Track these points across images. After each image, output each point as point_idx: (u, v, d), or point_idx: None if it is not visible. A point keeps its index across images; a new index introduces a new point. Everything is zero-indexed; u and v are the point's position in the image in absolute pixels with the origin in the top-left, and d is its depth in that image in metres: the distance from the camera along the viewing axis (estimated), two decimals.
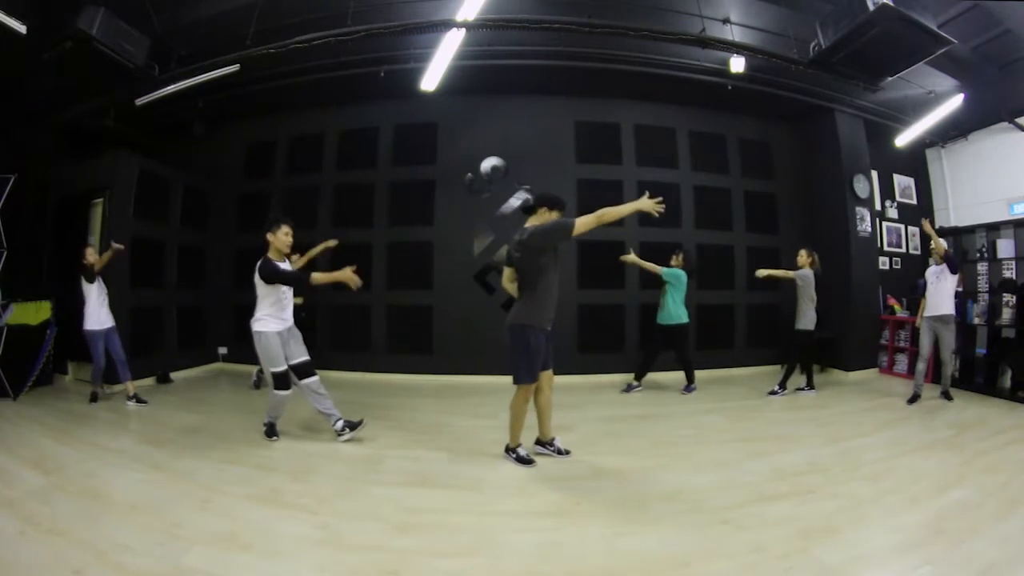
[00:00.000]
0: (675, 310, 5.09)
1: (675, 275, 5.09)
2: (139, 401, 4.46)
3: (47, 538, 2.13)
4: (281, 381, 3.40)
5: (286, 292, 3.48)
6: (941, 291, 4.63)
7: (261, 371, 5.30)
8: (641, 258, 5.09)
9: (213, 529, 2.25)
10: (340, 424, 3.49)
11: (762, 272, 5.13)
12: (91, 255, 4.57)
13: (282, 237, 3.36)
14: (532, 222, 3.09)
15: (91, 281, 4.52)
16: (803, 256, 5.10)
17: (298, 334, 3.53)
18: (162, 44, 4.20)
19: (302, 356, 3.48)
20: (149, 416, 4.26)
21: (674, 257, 5.20)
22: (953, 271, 4.62)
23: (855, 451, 3.37)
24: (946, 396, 4.80)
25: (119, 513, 2.38)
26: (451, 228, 6.09)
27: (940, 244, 4.73)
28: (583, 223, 2.81)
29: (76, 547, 2.05)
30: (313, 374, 3.48)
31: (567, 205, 3.12)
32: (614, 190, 6.19)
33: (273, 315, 3.39)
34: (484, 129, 6.15)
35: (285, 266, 3.46)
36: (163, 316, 5.93)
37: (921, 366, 4.75)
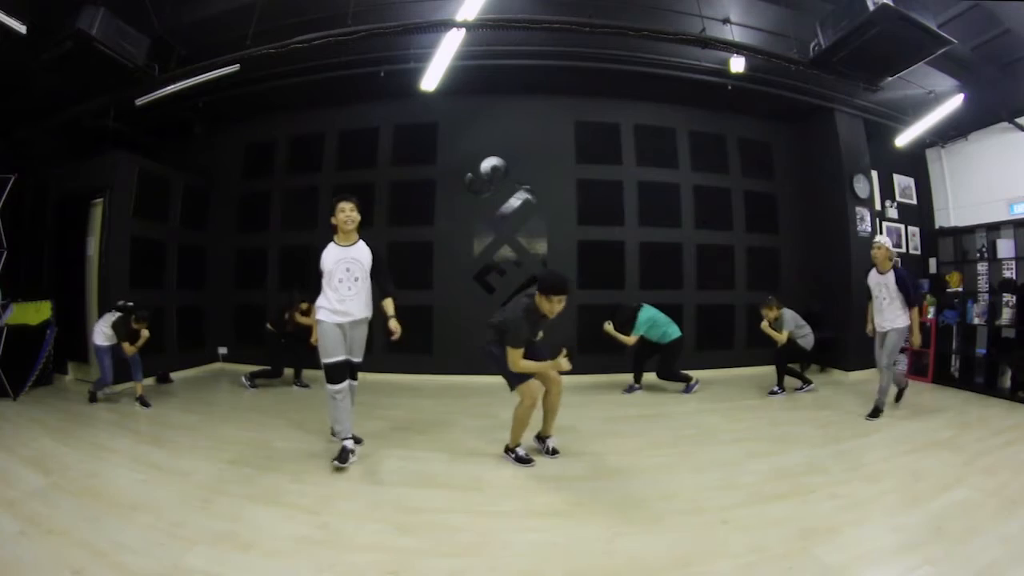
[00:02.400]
0: (664, 333, 5.09)
1: (646, 323, 5.08)
2: (144, 404, 4.46)
3: (47, 538, 2.13)
4: (330, 373, 3.05)
5: (340, 279, 3.07)
6: (893, 309, 4.05)
7: (253, 373, 5.33)
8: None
9: (213, 529, 2.25)
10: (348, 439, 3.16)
11: (766, 328, 5.05)
12: (143, 333, 4.49)
13: (339, 215, 3.07)
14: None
15: (126, 341, 4.42)
16: (771, 311, 4.99)
17: (360, 336, 3.23)
18: (162, 44, 4.20)
19: (357, 358, 3.24)
20: (149, 416, 4.26)
21: (609, 323, 5.17)
22: (910, 302, 3.99)
23: (855, 451, 3.37)
24: (874, 415, 4.08)
25: (119, 513, 2.38)
26: (451, 228, 6.09)
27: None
28: (512, 361, 2.94)
29: (76, 547, 2.05)
30: (355, 378, 3.27)
31: (565, 290, 2.88)
32: (614, 190, 6.22)
33: (324, 305, 3.08)
34: (484, 129, 6.16)
35: (331, 253, 3.10)
36: (163, 316, 5.93)
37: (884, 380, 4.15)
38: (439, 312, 6.03)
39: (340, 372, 3.08)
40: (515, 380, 3.02)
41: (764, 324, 5.04)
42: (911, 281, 4.05)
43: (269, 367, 5.31)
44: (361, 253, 3.16)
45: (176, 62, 4.47)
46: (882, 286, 4.11)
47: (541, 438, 3.32)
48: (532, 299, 2.94)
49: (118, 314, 4.45)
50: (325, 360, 3.07)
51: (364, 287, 3.16)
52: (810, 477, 2.88)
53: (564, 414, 4.09)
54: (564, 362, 2.92)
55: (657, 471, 3.03)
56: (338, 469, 2.94)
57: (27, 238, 5.55)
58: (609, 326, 5.11)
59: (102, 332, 4.44)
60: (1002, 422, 4.05)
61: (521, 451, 3.15)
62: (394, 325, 3.23)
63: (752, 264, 6.46)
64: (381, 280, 3.23)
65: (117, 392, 4.80)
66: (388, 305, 3.28)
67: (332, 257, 3.10)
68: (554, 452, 3.26)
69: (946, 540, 2.13)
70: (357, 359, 3.25)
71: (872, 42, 3.55)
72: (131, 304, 4.54)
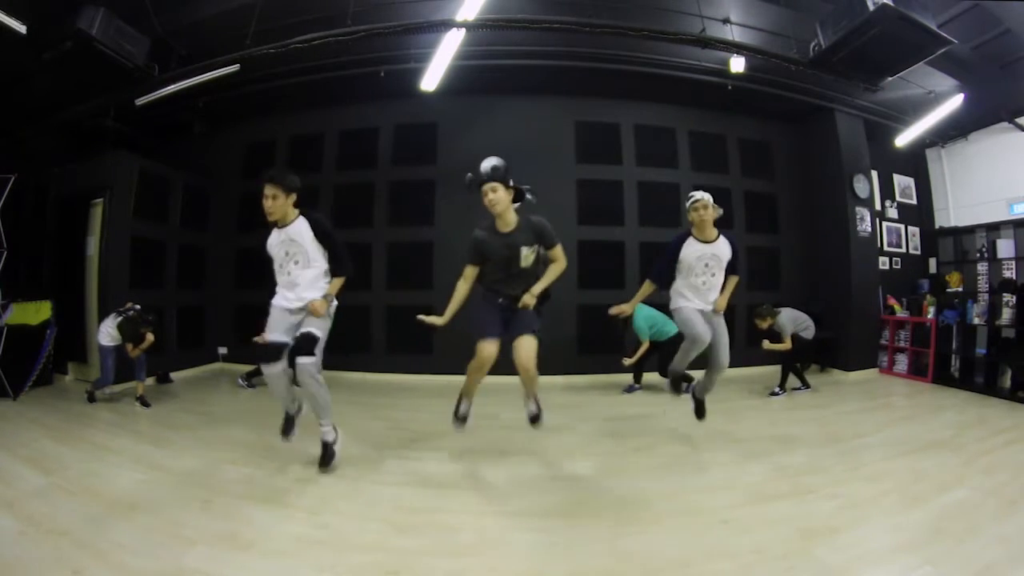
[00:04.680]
0: (661, 331, 5.08)
1: (648, 323, 5.06)
2: (144, 404, 4.46)
3: (47, 538, 2.13)
4: (264, 352, 2.88)
5: (280, 263, 2.85)
6: (716, 289, 3.27)
7: (249, 373, 5.33)
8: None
9: (213, 529, 2.25)
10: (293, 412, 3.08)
11: (769, 346, 5.00)
12: (148, 336, 4.51)
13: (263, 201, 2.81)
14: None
15: (131, 343, 4.46)
16: (763, 322, 4.98)
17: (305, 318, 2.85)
18: (162, 44, 4.20)
19: (307, 327, 2.84)
20: (149, 416, 4.26)
21: (626, 359, 5.15)
22: (736, 272, 3.35)
23: (855, 451, 3.37)
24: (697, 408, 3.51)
25: (119, 513, 2.38)
26: (451, 228, 6.09)
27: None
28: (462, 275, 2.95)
29: (76, 547, 2.05)
30: (302, 352, 2.81)
31: (485, 179, 2.87)
32: (614, 190, 6.22)
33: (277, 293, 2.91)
34: (484, 129, 6.15)
35: (272, 237, 2.86)
36: (163, 316, 5.93)
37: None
38: (439, 312, 6.02)
39: (272, 352, 2.82)
40: (477, 331, 2.83)
41: (765, 344, 4.98)
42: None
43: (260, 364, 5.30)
44: (298, 230, 2.81)
45: (176, 62, 4.48)
46: (708, 258, 3.16)
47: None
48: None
49: (123, 316, 4.45)
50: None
51: (309, 270, 2.82)
52: (810, 477, 2.88)
53: (564, 414, 4.11)
54: (533, 288, 2.78)
55: (657, 471, 3.03)
56: (285, 440, 3.01)
57: (27, 238, 5.55)
58: (627, 360, 5.11)
59: (107, 333, 4.45)
60: (1002, 422, 4.05)
61: (463, 406, 3.05)
62: (316, 304, 2.77)
63: (752, 264, 6.46)
64: (330, 258, 2.87)
65: (117, 392, 4.80)
66: (331, 285, 2.87)
67: (272, 242, 2.87)
68: (532, 420, 2.98)
69: (946, 540, 2.13)
70: (307, 328, 2.82)
71: (872, 42, 3.55)
72: (137, 307, 4.55)
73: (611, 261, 6.11)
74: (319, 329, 2.85)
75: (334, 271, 2.88)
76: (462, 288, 2.93)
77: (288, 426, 3.05)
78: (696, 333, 3.09)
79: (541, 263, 2.93)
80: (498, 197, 2.79)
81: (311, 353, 2.81)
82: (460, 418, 3.06)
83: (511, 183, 2.84)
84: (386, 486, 2.79)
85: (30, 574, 1.89)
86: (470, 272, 2.94)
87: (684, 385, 5.11)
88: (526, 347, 2.76)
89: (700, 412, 3.51)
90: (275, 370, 2.84)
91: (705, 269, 3.17)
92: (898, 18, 3.34)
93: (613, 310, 3.44)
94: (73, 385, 5.37)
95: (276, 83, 5.48)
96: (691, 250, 3.17)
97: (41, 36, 3.77)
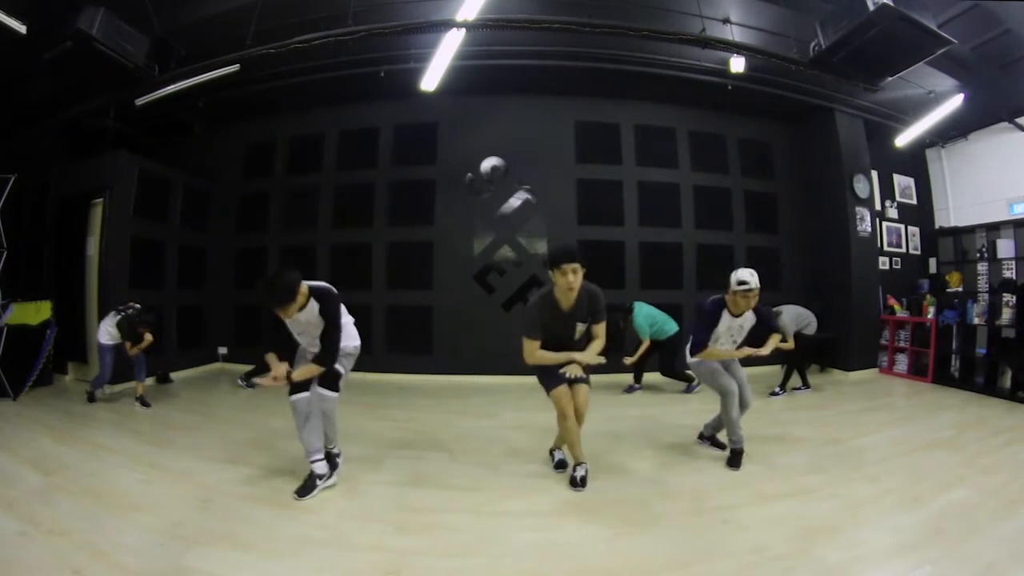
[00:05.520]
0: (661, 329, 5.08)
1: (648, 322, 5.06)
2: (144, 404, 4.47)
3: (47, 538, 2.13)
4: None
5: (304, 335, 2.78)
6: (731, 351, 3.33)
7: (248, 373, 5.34)
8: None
9: (213, 529, 2.25)
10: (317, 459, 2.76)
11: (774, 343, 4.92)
12: (147, 337, 4.48)
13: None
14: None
15: (130, 342, 4.44)
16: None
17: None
18: (162, 44, 4.20)
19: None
20: (149, 416, 4.26)
21: (628, 357, 5.08)
22: (773, 329, 3.41)
23: (855, 451, 3.37)
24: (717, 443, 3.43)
25: (119, 513, 2.38)
26: (451, 228, 6.09)
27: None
28: (526, 352, 2.79)
29: (76, 547, 2.06)
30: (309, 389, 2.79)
31: (573, 256, 2.72)
32: (614, 190, 6.22)
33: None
34: (484, 129, 6.16)
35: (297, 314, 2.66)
36: (163, 316, 5.93)
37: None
38: (439, 312, 6.04)
39: (303, 383, 2.73)
40: (545, 384, 2.81)
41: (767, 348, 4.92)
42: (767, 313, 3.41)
43: (256, 364, 5.31)
44: (311, 312, 2.64)
45: (176, 62, 4.48)
46: (735, 330, 3.28)
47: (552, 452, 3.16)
48: (551, 288, 2.76)
49: (122, 314, 4.45)
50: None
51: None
52: (810, 477, 2.88)
53: None
54: (582, 356, 2.69)
55: (657, 471, 3.04)
56: (298, 499, 2.59)
57: (27, 238, 5.56)
58: (628, 359, 5.06)
59: (107, 331, 4.45)
60: (1002, 422, 4.05)
61: (579, 471, 2.81)
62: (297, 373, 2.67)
63: (752, 264, 6.45)
64: (322, 344, 2.67)
65: (117, 392, 4.80)
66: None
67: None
68: (576, 482, 2.78)
69: (946, 540, 2.13)
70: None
71: (872, 42, 3.55)
72: (137, 306, 4.54)
73: (611, 261, 6.11)
74: (342, 366, 2.84)
75: (319, 358, 2.66)
76: (543, 353, 2.78)
77: (310, 484, 2.66)
78: (723, 385, 3.19)
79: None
80: (578, 279, 2.68)
81: (336, 389, 2.78)
82: (580, 483, 2.78)
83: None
84: (386, 486, 2.79)
85: (30, 574, 1.89)
86: (537, 343, 2.78)
87: (686, 385, 5.16)
88: (583, 394, 2.85)
89: (736, 462, 3.12)
90: (305, 395, 2.72)
91: (729, 339, 3.28)
92: (898, 18, 3.34)
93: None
94: (73, 385, 5.38)
95: (276, 83, 5.49)
96: (723, 322, 3.21)
97: (41, 36, 3.77)
